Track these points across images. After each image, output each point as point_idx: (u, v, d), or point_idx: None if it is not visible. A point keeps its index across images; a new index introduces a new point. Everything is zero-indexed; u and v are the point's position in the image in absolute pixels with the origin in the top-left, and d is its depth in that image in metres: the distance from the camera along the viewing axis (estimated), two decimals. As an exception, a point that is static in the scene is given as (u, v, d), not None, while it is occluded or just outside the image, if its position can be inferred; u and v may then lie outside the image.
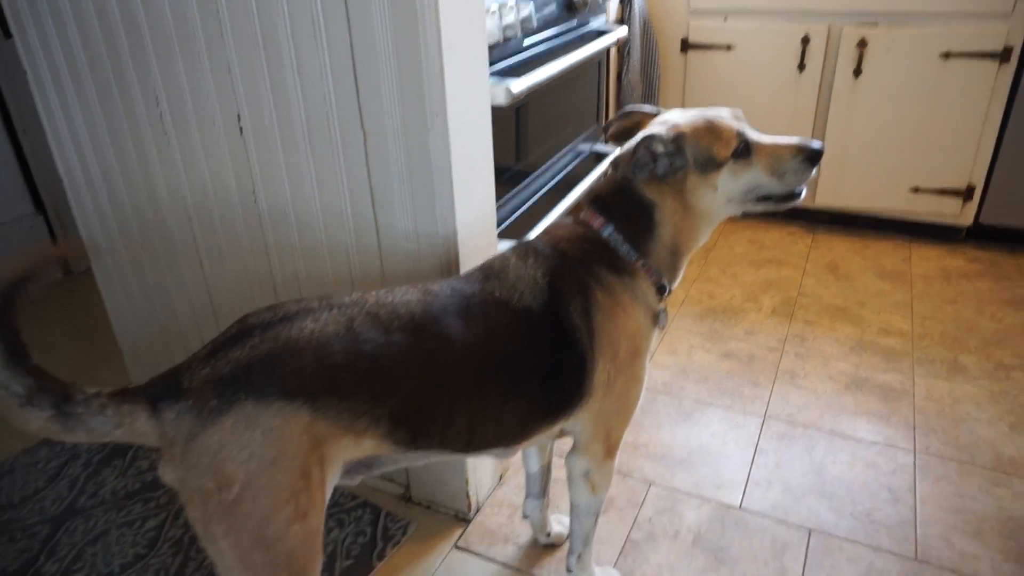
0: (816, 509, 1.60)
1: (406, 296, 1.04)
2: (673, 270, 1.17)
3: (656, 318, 1.17)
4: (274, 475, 0.91)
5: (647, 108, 1.23)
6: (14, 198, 2.59)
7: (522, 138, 1.83)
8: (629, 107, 1.26)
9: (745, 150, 1.11)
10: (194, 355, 0.97)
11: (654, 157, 1.10)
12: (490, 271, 1.11)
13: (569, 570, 1.38)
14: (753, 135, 1.13)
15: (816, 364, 2.11)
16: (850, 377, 2.05)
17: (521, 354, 1.05)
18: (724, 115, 1.13)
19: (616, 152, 1.18)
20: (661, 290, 1.15)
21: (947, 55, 2.43)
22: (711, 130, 1.10)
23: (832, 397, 1.97)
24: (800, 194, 1.15)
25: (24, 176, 2.61)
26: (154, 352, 1.95)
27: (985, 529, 1.54)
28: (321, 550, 1.01)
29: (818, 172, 1.16)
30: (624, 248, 1.12)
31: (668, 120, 1.15)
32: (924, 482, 1.67)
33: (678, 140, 1.10)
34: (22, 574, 1.49)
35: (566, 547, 1.52)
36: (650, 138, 1.09)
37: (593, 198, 1.16)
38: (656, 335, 1.21)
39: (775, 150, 1.12)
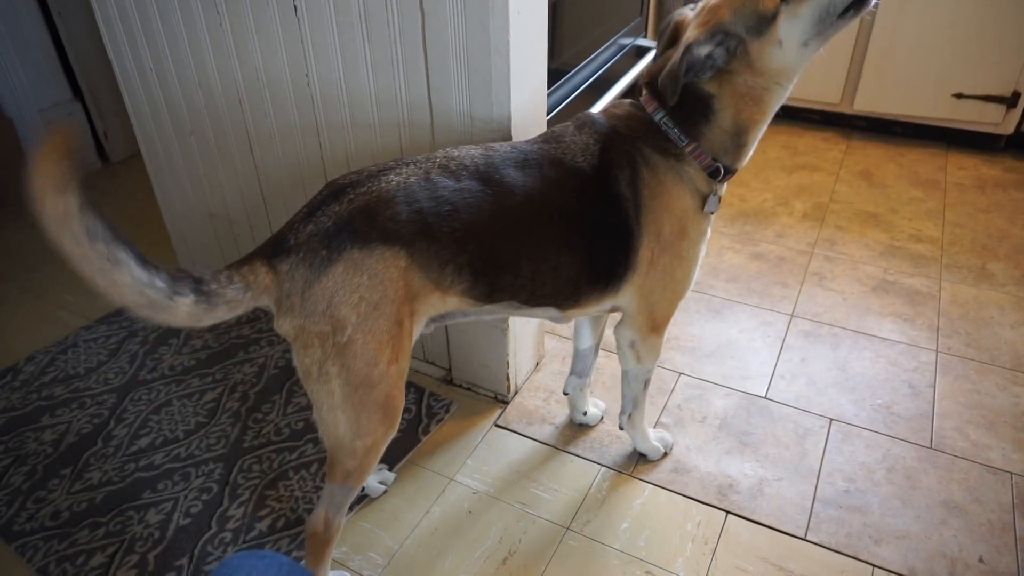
0: (838, 400, 1.68)
1: (470, 151, 1.12)
2: (738, 149, 1.15)
3: (705, 201, 1.19)
4: (377, 318, 1.01)
5: (682, 10, 1.17)
6: (51, 84, 2.59)
7: (561, 34, 1.81)
8: (667, 19, 1.19)
9: None
10: (293, 218, 1.05)
11: (705, 60, 1.06)
12: (549, 135, 1.17)
13: (621, 428, 1.50)
14: None
15: (845, 267, 2.15)
16: (877, 280, 2.09)
17: (572, 208, 1.11)
18: None
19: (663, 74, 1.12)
20: (715, 173, 1.16)
21: (1007, -48, 2.33)
22: None
23: (859, 299, 2.01)
24: None
25: (61, 61, 2.60)
26: (203, 239, 2.01)
27: (999, 423, 1.61)
28: (404, 394, 1.13)
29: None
30: (674, 132, 1.13)
31: (702, 6, 1.11)
32: (944, 379, 1.74)
33: (718, 28, 1.05)
34: (95, 436, 1.62)
35: (601, 429, 1.62)
36: (689, 47, 1.05)
37: (648, 81, 1.17)
38: (710, 221, 1.23)
39: None
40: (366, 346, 1.02)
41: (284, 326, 1.02)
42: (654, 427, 1.60)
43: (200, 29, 1.58)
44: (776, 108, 1.15)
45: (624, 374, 1.41)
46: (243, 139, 1.71)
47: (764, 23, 1.04)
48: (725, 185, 1.21)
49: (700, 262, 1.25)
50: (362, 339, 1.01)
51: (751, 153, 1.19)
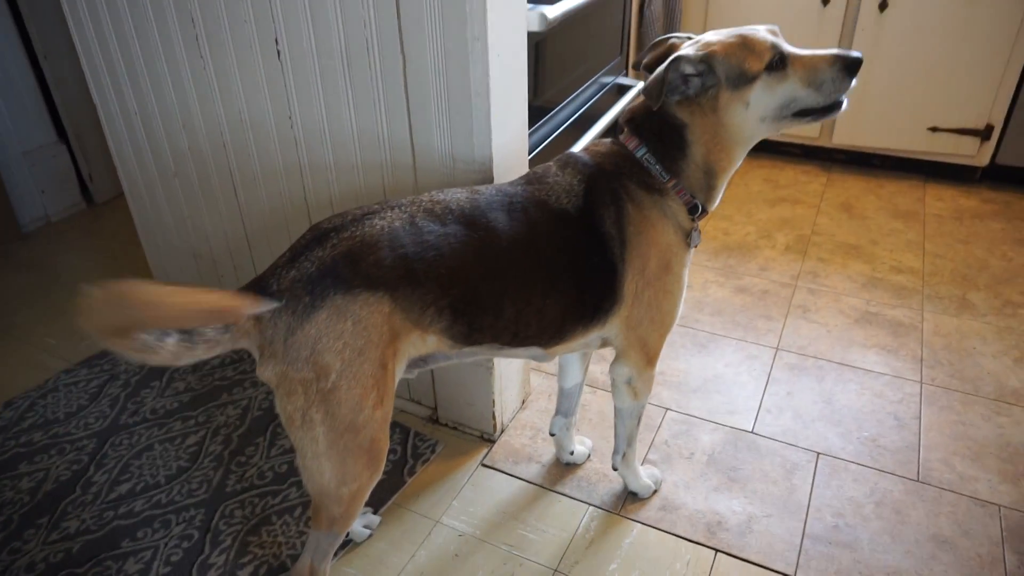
0: (825, 434, 1.68)
1: (456, 195, 1.13)
2: (709, 190, 1.20)
3: (688, 236, 1.21)
4: (362, 364, 1.01)
5: (680, 35, 1.24)
6: (37, 126, 2.59)
7: (544, 72, 1.84)
8: (662, 37, 1.26)
9: (780, 62, 1.09)
10: (275, 263, 1.05)
11: (685, 78, 1.11)
12: (532, 176, 1.19)
13: (614, 468, 1.49)
14: (789, 48, 1.11)
15: (828, 299, 2.16)
16: (860, 312, 2.10)
17: (558, 250, 1.12)
18: (759, 30, 1.12)
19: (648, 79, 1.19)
20: (694, 210, 1.19)
21: (975, -9, 2.41)
22: (744, 45, 1.10)
23: (842, 331, 2.03)
24: (840, 105, 1.12)
25: (47, 104, 2.61)
26: (186, 279, 2.01)
27: (985, 454, 1.62)
28: (389, 437, 1.12)
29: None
30: (656, 168, 1.16)
31: (700, 40, 1.16)
32: (929, 410, 1.74)
33: (708, 59, 1.10)
34: (74, 483, 1.59)
35: (587, 465, 1.61)
36: (679, 59, 1.10)
37: (628, 119, 1.20)
38: (691, 254, 1.25)
39: (812, 61, 1.09)
40: (351, 392, 1.01)
41: (266, 373, 1.02)
42: (642, 464, 1.59)
43: (184, 72, 1.60)
44: (737, 164, 1.20)
45: (618, 412, 1.40)
46: (227, 181, 1.71)
47: (742, 80, 1.09)
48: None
49: (684, 293, 1.27)
50: (346, 385, 1.00)
51: (720, 197, 1.24)
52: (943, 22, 2.49)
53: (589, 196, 1.14)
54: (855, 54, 1.09)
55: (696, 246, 1.23)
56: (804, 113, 1.12)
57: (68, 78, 2.58)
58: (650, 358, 1.29)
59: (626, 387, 1.34)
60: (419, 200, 1.11)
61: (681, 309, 1.28)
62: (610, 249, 1.14)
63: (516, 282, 1.10)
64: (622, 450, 1.45)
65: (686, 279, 1.26)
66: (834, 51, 1.10)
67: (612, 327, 1.23)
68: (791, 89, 1.10)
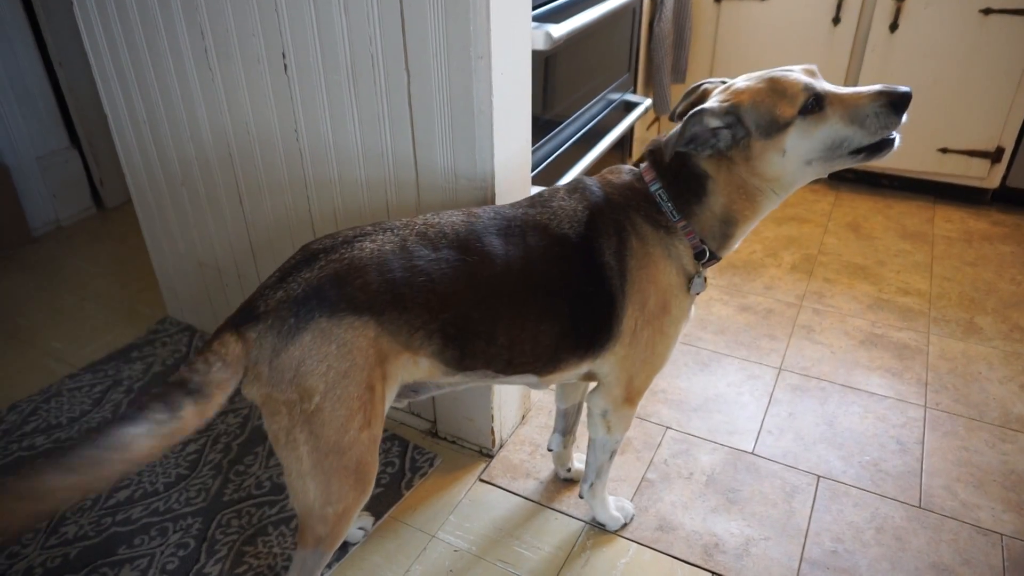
0: (826, 457, 1.67)
1: (451, 218, 1.12)
2: (724, 238, 1.15)
3: (690, 281, 1.17)
4: (347, 386, 1.00)
5: (713, 80, 1.18)
6: (50, 132, 2.62)
7: (553, 87, 1.84)
8: (695, 84, 1.20)
9: (815, 104, 1.03)
10: (264, 283, 1.05)
11: (713, 132, 1.06)
12: (537, 198, 1.17)
13: (581, 496, 1.47)
14: (826, 87, 1.05)
15: (833, 320, 2.15)
16: (866, 334, 2.09)
17: (555, 277, 1.10)
18: (793, 72, 1.06)
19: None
20: (701, 255, 1.15)
21: (987, 11, 2.39)
22: (774, 89, 1.04)
23: (847, 352, 2.01)
24: (892, 143, 1.05)
25: (60, 110, 2.64)
26: (191, 287, 2.02)
27: (988, 481, 1.60)
28: (378, 459, 1.11)
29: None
30: (667, 206, 1.13)
31: (731, 86, 1.10)
32: (932, 436, 1.73)
33: (735, 109, 1.05)
34: (73, 487, 1.59)
35: (586, 482, 1.60)
36: (701, 113, 1.05)
37: (651, 149, 1.16)
38: (693, 301, 1.21)
39: (853, 98, 1.03)
40: (335, 413, 1.01)
41: (251, 393, 1.01)
42: (639, 484, 1.59)
43: (193, 84, 1.61)
44: (767, 211, 1.15)
45: (591, 443, 1.38)
46: (232, 191, 1.73)
47: (774, 127, 1.04)
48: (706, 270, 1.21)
49: (679, 341, 1.24)
50: (331, 407, 1.00)
51: (736, 245, 1.19)
52: (954, 43, 2.48)
53: (591, 224, 1.12)
54: (902, 89, 1.02)
55: (698, 293, 1.19)
56: (857, 152, 1.05)
57: (82, 84, 2.61)
58: (630, 396, 1.27)
59: (601, 419, 1.31)
60: (413, 223, 1.10)
61: (671, 356, 1.25)
62: (608, 280, 1.12)
63: (510, 308, 1.08)
64: (591, 479, 1.42)
65: (683, 326, 1.22)
66: (879, 87, 1.04)
67: (608, 361, 1.20)
68: (833, 130, 1.04)
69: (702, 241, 1.14)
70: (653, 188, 1.14)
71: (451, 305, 1.05)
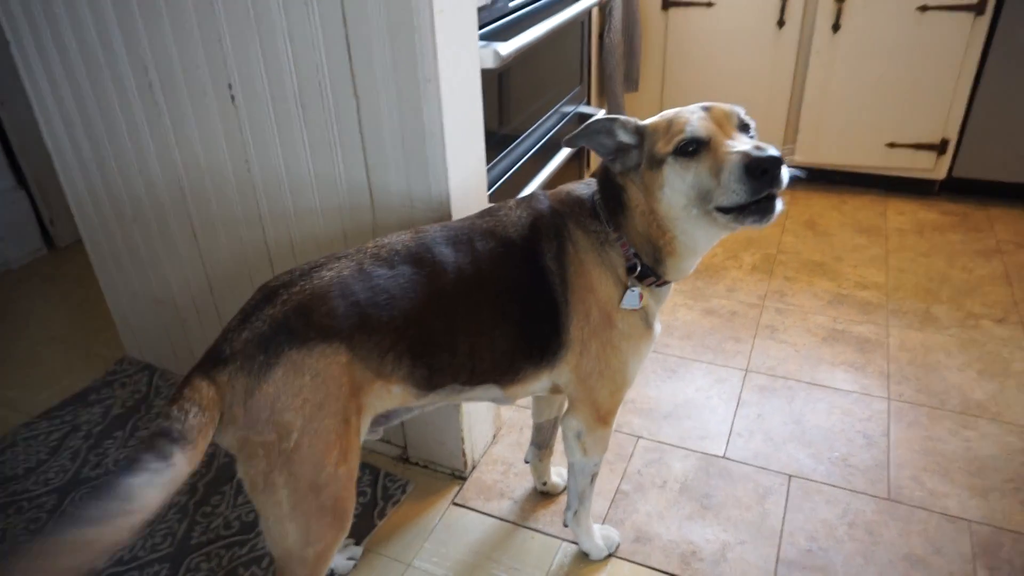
0: (796, 456, 1.69)
1: (400, 236, 1.13)
2: (656, 263, 1.13)
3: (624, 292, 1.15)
4: (323, 418, 0.98)
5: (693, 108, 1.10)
6: (-6, 172, 2.55)
7: (508, 102, 1.85)
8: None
9: (692, 148, 1.00)
10: (227, 326, 1.03)
11: (619, 146, 1.09)
12: (487, 210, 1.20)
13: (565, 525, 1.45)
14: (714, 134, 0.99)
15: (795, 318, 2.18)
16: (827, 330, 2.12)
17: (503, 278, 1.11)
18: (694, 111, 1.04)
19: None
20: (632, 268, 1.13)
21: (924, 8, 2.47)
22: (668, 124, 1.04)
23: (810, 350, 2.04)
24: (766, 210, 0.95)
25: (4, 150, 2.57)
26: (148, 324, 1.97)
27: (953, 468, 1.63)
28: (355, 495, 1.09)
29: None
30: (604, 215, 1.14)
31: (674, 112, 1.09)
32: (897, 427, 1.76)
33: (640, 131, 1.08)
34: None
35: (561, 500, 1.59)
36: (615, 120, 1.08)
37: (602, 163, 1.17)
38: (650, 318, 1.19)
39: (723, 152, 0.97)
40: (313, 449, 0.99)
41: (227, 439, 0.99)
42: (613, 496, 1.58)
43: (139, 118, 1.58)
44: (688, 254, 1.11)
45: (570, 467, 1.36)
46: (186, 226, 1.69)
47: (654, 161, 1.05)
48: (668, 290, 1.19)
49: (640, 358, 1.21)
50: (308, 442, 0.98)
51: (687, 270, 1.16)
52: (894, 41, 2.55)
53: (533, 228, 1.14)
54: (765, 155, 0.93)
55: (632, 307, 1.14)
56: (727, 211, 0.98)
57: (26, 123, 2.54)
58: (601, 416, 1.25)
59: (576, 441, 1.29)
60: (365, 248, 1.11)
61: (634, 374, 1.22)
62: (551, 284, 1.13)
63: (466, 314, 1.09)
64: (574, 507, 1.40)
65: (642, 344, 1.19)
66: (743, 147, 0.96)
67: (562, 372, 1.20)
68: (699, 179, 0.99)
69: (636, 255, 1.13)
70: (596, 198, 1.16)
71: (414, 320, 1.05)
